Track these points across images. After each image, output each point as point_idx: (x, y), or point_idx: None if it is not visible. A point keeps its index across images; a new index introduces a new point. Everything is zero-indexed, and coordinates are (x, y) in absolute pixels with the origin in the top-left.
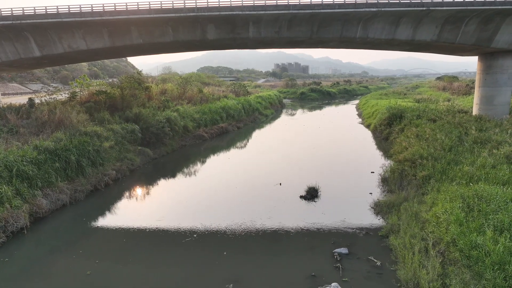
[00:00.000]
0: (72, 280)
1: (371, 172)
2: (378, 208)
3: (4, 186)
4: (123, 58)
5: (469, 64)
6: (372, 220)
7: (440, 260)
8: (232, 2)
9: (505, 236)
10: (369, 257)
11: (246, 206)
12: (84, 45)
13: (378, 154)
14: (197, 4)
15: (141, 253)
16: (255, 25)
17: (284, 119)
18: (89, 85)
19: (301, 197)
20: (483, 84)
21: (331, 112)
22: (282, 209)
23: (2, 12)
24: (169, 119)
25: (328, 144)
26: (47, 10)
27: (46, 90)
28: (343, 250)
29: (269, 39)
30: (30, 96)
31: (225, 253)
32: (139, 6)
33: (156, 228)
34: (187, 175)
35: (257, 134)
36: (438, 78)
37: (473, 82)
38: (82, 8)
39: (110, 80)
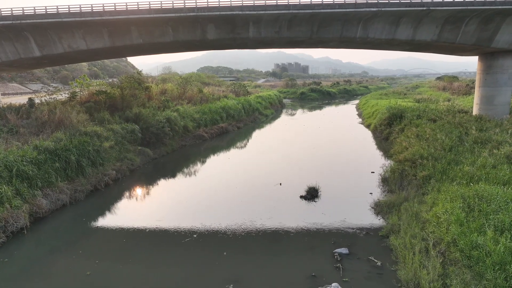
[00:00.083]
0: (72, 280)
1: (371, 172)
2: (379, 208)
3: (4, 186)
4: (123, 58)
5: (469, 64)
6: (373, 220)
7: (440, 260)
8: (232, 2)
9: (506, 236)
10: (370, 257)
11: (246, 206)
12: (84, 45)
13: (378, 154)
14: (197, 4)
15: (141, 253)
16: (255, 25)
17: (284, 119)
18: (89, 85)
19: (301, 197)
20: (483, 84)
21: (331, 112)
22: (282, 209)
23: (2, 12)
24: (169, 119)
25: (328, 144)
26: (47, 10)
27: (46, 90)
28: (344, 250)
29: (269, 39)
30: (30, 96)
31: (225, 253)
32: (139, 6)
33: (156, 228)
34: (187, 175)
35: (257, 134)
36: (438, 78)
37: (473, 82)
38: (82, 8)
39: (110, 80)
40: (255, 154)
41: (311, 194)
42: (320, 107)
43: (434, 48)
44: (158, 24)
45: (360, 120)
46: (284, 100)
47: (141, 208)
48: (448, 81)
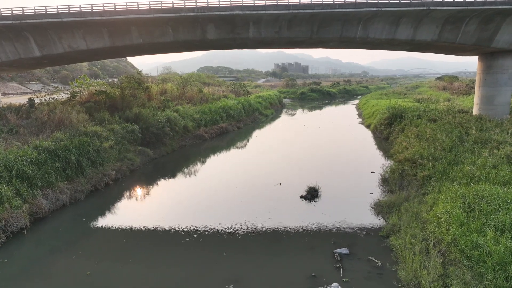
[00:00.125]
0: (72, 280)
1: (372, 172)
2: (379, 208)
3: (4, 186)
4: (123, 58)
5: (469, 64)
6: (373, 220)
7: (441, 261)
8: (232, 2)
9: (506, 236)
10: (370, 258)
11: (246, 206)
12: (84, 45)
13: (378, 154)
14: (197, 4)
15: (141, 253)
16: (255, 25)
17: (284, 119)
18: (89, 85)
19: (301, 197)
20: (484, 84)
21: (331, 112)
22: (282, 209)
23: (2, 12)
24: (169, 119)
25: (328, 144)
26: (47, 10)
27: (46, 90)
28: (344, 250)
29: (269, 39)
30: (30, 96)
31: (225, 253)
32: (139, 6)
33: (156, 228)
34: (187, 175)
35: (257, 134)
36: (438, 78)
37: (473, 82)
38: (82, 8)
39: (110, 80)
40: (255, 154)
41: (311, 194)
42: (320, 107)
43: (434, 48)
44: (158, 24)
45: (360, 120)
46: (284, 100)
47: (141, 208)
48: (448, 81)
